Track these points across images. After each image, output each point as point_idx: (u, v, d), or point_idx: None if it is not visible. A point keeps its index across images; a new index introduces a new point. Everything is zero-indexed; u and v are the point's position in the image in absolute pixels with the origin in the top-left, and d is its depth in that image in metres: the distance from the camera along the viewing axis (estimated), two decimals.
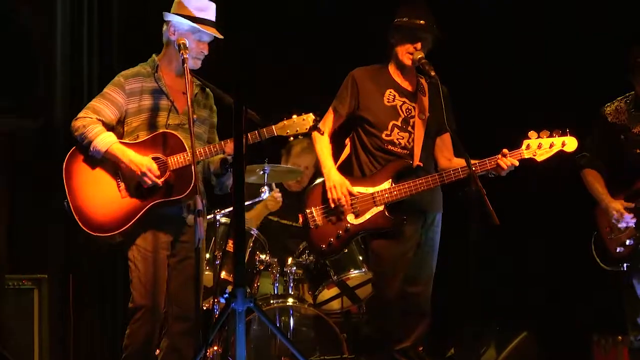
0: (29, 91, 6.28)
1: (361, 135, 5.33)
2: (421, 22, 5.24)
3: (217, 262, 5.73)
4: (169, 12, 5.13)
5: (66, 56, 6.66)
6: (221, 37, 5.08)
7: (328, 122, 5.37)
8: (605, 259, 5.60)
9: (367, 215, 5.21)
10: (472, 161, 5.00)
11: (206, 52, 5.08)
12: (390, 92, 5.33)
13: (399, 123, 5.29)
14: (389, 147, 5.26)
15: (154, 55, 5.22)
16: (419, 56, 5.24)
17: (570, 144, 5.21)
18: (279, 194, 6.09)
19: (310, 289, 6.03)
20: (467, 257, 4.89)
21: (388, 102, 5.32)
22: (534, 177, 5.88)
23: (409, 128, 5.28)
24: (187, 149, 4.94)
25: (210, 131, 5.26)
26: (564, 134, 5.19)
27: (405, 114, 5.30)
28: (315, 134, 5.23)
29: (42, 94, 6.43)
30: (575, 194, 5.87)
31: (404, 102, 5.34)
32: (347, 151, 5.42)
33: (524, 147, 5.18)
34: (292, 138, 4.92)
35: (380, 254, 5.26)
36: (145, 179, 4.92)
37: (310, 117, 4.93)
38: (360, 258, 5.84)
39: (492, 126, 6.64)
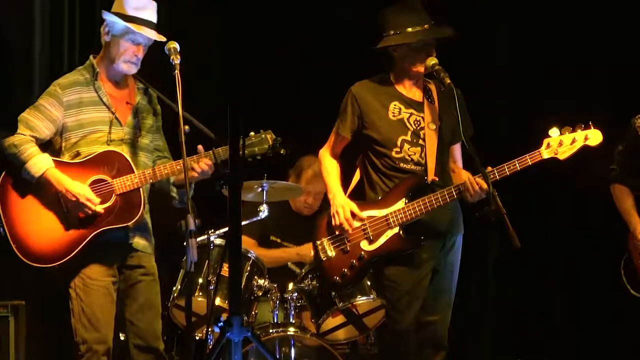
0: (4, 106, 6.11)
1: (370, 156, 5.27)
2: (425, 26, 5.11)
3: (211, 287, 5.63)
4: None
5: (45, 68, 6.55)
6: (161, 39, 4.99)
7: (332, 145, 5.34)
8: (636, 285, 5.52)
9: (382, 240, 5.15)
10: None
11: (140, 56, 5.00)
12: (395, 104, 5.23)
13: (408, 137, 5.20)
14: (401, 165, 5.19)
15: (91, 57, 5.13)
16: (433, 62, 5.12)
17: (594, 137, 5.09)
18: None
19: (313, 317, 5.85)
20: (487, 284, 4.94)
21: (394, 116, 5.22)
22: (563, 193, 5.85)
23: (420, 141, 5.19)
24: (134, 169, 4.89)
25: (156, 137, 5.20)
26: (586, 127, 5.06)
27: (415, 127, 5.21)
28: (321, 155, 5.28)
29: (19, 109, 6.26)
30: (606, 208, 5.82)
31: (411, 114, 5.24)
32: (357, 175, 5.38)
33: (543, 146, 5.08)
34: (250, 159, 4.91)
35: (394, 280, 5.19)
36: (85, 209, 4.86)
37: (269, 136, 4.92)
38: (369, 283, 5.66)
39: (513, 125, 6.68)
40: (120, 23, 4.95)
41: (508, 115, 6.94)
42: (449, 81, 5.04)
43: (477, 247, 5.30)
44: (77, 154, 4.96)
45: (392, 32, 5.16)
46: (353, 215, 5.14)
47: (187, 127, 4.82)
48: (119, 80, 5.08)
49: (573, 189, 6.75)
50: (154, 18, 5.03)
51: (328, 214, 5.24)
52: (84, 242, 4.88)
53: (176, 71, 4.75)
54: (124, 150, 4.98)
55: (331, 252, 5.20)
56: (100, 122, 5.00)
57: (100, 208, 4.86)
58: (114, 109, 5.02)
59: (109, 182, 4.92)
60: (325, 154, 5.34)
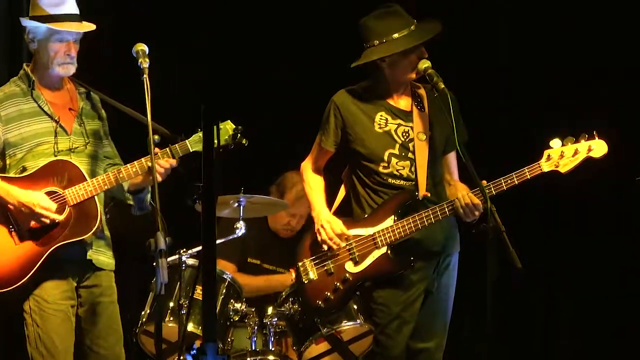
0: None
1: (356, 171, 5.21)
2: (411, 27, 5.03)
3: (183, 311, 5.58)
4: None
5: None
6: (89, 28, 4.91)
7: (315, 158, 5.31)
8: None
9: (368, 261, 5.10)
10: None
11: (74, 54, 4.89)
12: (382, 115, 5.16)
13: (396, 151, 5.14)
14: (390, 180, 5.12)
15: (24, 66, 5.04)
16: (425, 65, 5.01)
17: (599, 148, 5.00)
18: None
19: (295, 344, 5.79)
20: (486, 307, 4.70)
21: (380, 127, 5.15)
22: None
23: (409, 154, 5.13)
24: (86, 176, 4.83)
25: (104, 144, 5.11)
26: (590, 137, 4.99)
27: (403, 139, 5.14)
28: (303, 169, 5.26)
29: None
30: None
31: (399, 125, 5.16)
32: (342, 190, 5.34)
33: (543, 158, 5.01)
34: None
35: (383, 303, 5.13)
36: (42, 218, 4.76)
37: (228, 126, 4.86)
38: (355, 307, 5.60)
39: (510, 135, 6.71)
40: (42, 26, 4.86)
41: (507, 123, 6.88)
42: (443, 86, 4.92)
43: (474, 267, 5.13)
44: (24, 169, 4.88)
45: (376, 42, 5.07)
46: (339, 233, 5.11)
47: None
48: (58, 86, 5.00)
49: (579, 203, 6.71)
50: (75, 9, 4.93)
51: (312, 234, 5.21)
52: (40, 261, 4.77)
53: (145, 76, 4.65)
54: (73, 160, 4.91)
55: (313, 274, 5.17)
56: (44, 133, 4.92)
57: (59, 216, 4.77)
58: (57, 117, 4.93)
59: (60, 194, 4.82)
60: (307, 167, 5.30)
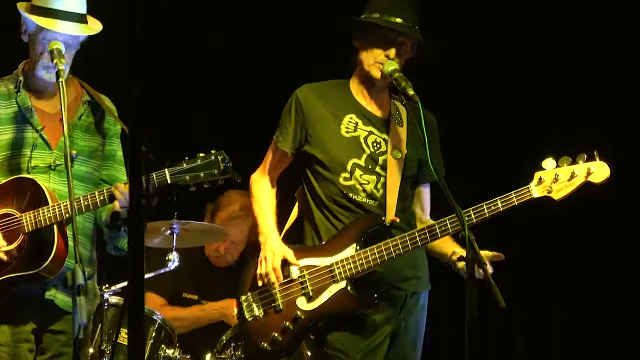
0: None
1: (312, 184, 4.98)
2: (397, 20, 4.86)
3: (105, 358, 5.52)
4: None
5: None
6: (90, 32, 4.74)
7: (269, 165, 5.09)
8: None
9: (324, 297, 4.87)
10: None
11: (65, 59, 4.71)
12: (351, 118, 4.97)
13: (361, 162, 4.92)
14: (350, 195, 4.90)
15: (23, 63, 4.88)
16: (392, 68, 4.81)
17: (600, 171, 4.77)
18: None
19: None
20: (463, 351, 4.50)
21: (347, 132, 4.95)
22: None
23: (378, 169, 4.94)
24: (49, 200, 4.64)
25: (107, 165, 4.93)
26: (590, 158, 4.75)
27: (373, 149, 4.94)
28: (253, 181, 5.03)
29: None
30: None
31: (370, 133, 4.96)
32: (295, 211, 5.13)
33: (534, 182, 4.77)
34: (193, 188, 4.67)
35: (340, 349, 4.88)
36: None
37: (220, 157, 4.66)
38: (309, 354, 5.54)
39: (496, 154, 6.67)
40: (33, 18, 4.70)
41: (492, 138, 6.82)
42: (412, 92, 4.73)
43: (449, 306, 5.36)
44: None
45: (366, 15, 4.97)
46: (286, 263, 4.89)
47: (74, 151, 4.68)
48: (53, 91, 4.78)
49: (572, 230, 6.66)
50: (77, 6, 4.72)
51: (256, 263, 4.99)
52: None
53: (60, 79, 4.52)
54: (52, 180, 4.74)
55: (259, 311, 4.93)
56: (20, 145, 4.77)
57: (6, 249, 4.62)
58: (40, 127, 4.74)
59: (16, 217, 4.66)
60: (258, 179, 5.04)
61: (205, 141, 4.98)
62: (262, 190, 5.04)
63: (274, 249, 4.89)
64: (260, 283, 4.90)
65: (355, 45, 4.96)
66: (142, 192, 3.70)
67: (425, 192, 5.09)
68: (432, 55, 5.02)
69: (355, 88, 5.02)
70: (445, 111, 5.08)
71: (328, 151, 4.92)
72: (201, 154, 4.64)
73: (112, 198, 4.65)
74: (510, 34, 7.15)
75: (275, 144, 5.01)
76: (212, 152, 4.64)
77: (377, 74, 4.88)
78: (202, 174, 4.62)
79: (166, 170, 4.60)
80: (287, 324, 4.86)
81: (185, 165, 4.62)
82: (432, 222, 4.97)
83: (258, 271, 4.90)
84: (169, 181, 4.61)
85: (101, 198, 4.63)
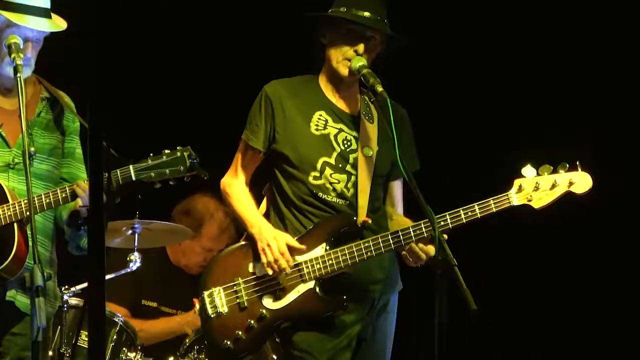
0: None
1: (280, 183, 4.94)
2: (365, 13, 4.82)
3: None
4: None
5: None
6: (57, 29, 4.72)
7: (240, 166, 5.02)
8: None
9: (292, 296, 4.83)
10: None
11: (30, 55, 4.69)
12: (321, 115, 4.92)
13: (332, 160, 4.89)
14: (320, 194, 4.87)
15: None
16: (360, 64, 4.79)
17: (582, 182, 4.76)
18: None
19: None
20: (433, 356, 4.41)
21: (317, 129, 4.91)
22: None
23: (348, 167, 4.89)
24: (9, 197, 4.62)
25: (66, 163, 4.89)
26: (572, 168, 4.74)
27: (343, 147, 4.91)
28: (225, 185, 4.96)
29: None
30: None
31: (341, 130, 4.92)
32: (263, 208, 5.08)
33: (514, 189, 4.75)
34: (158, 185, 4.65)
35: (306, 350, 4.85)
36: None
37: (186, 154, 4.63)
38: (275, 357, 5.51)
39: (474, 162, 6.60)
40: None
41: (471, 143, 6.76)
42: (381, 89, 4.70)
43: (419, 309, 5.15)
44: None
45: (332, 10, 4.92)
46: (291, 249, 4.84)
47: (33, 148, 4.62)
48: (11, 87, 4.74)
49: (545, 232, 6.58)
50: (43, 1, 4.72)
51: (224, 256, 4.98)
52: None
53: (19, 74, 4.50)
54: (11, 178, 4.70)
55: (222, 307, 4.88)
56: None
57: None
58: None
59: None
60: (230, 182, 4.96)
61: (172, 138, 4.89)
62: (238, 189, 4.98)
63: (274, 235, 4.83)
64: (270, 272, 4.81)
65: (323, 42, 4.93)
66: (102, 189, 3.65)
67: (396, 186, 5.06)
68: (402, 49, 4.97)
69: (325, 84, 4.98)
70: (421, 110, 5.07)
71: (297, 149, 4.89)
72: (166, 151, 4.60)
73: (74, 196, 4.60)
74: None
75: (245, 143, 4.95)
76: (178, 148, 4.59)
77: (345, 71, 4.85)
78: (167, 171, 4.58)
79: (131, 167, 4.56)
80: (252, 322, 4.81)
81: (150, 161, 4.56)
82: (403, 218, 4.97)
83: (264, 260, 4.82)
84: (133, 178, 4.56)
85: (63, 195, 4.59)
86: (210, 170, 4.92)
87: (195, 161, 4.62)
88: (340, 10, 4.88)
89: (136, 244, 5.74)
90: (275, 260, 4.78)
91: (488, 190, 4.82)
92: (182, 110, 6.99)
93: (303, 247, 4.85)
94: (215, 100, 6.89)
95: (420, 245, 4.78)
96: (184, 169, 4.60)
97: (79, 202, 4.60)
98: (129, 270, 5.75)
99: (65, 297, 5.48)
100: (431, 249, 4.73)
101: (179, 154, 4.61)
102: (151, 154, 4.57)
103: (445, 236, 4.57)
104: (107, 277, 5.47)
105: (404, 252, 4.81)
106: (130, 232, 5.75)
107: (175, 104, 6.97)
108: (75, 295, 5.54)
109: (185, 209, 6.49)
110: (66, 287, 5.48)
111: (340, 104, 4.97)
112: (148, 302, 6.42)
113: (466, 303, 4.30)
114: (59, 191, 4.61)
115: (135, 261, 5.72)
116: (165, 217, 6.32)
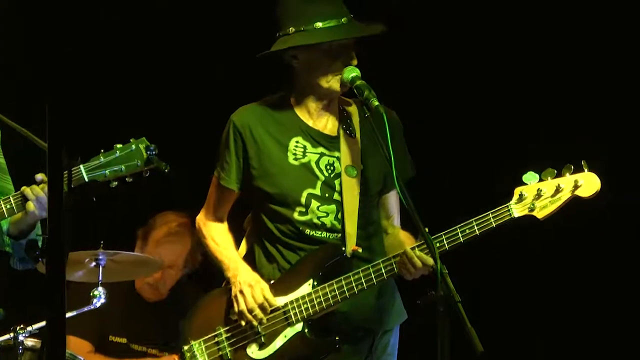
0: None
1: (262, 220, 4.81)
2: (342, 20, 4.67)
3: None
4: None
5: None
6: None
7: (214, 205, 4.89)
8: None
9: (278, 342, 4.72)
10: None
11: None
12: (297, 142, 4.78)
13: (317, 191, 4.75)
14: (308, 231, 4.74)
15: None
16: (353, 74, 4.62)
17: (589, 183, 4.60)
18: None
19: None
20: None
21: (295, 159, 4.77)
22: None
23: (335, 195, 4.75)
24: None
25: None
26: (577, 169, 4.60)
27: (327, 174, 4.77)
28: (199, 224, 4.86)
29: None
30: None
31: (322, 155, 4.78)
32: (243, 246, 4.95)
33: (514, 199, 4.61)
34: (114, 184, 4.44)
35: None
36: None
37: (142, 146, 4.44)
38: None
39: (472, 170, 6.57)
40: None
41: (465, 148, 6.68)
42: (376, 103, 4.51)
43: (419, 350, 5.12)
44: None
45: (292, 30, 4.68)
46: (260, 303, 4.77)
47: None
48: None
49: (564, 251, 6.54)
50: None
51: (204, 305, 4.88)
52: None
53: None
54: None
55: None
56: None
57: None
58: None
59: None
60: (204, 221, 4.86)
61: (125, 131, 4.73)
62: (214, 227, 4.87)
63: (250, 281, 4.72)
64: (243, 323, 4.72)
65: (293, 63, 4.75)
66: (62, 214, 3.33)
67: (390, 197, 4.89)
68: (379, 36, 4.77)
69: (298, 103, 4.83)
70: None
71: (277, 184, 4.76)
72: (119, 145, 4.41)
73: (20, 206, 4.40)
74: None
75: (217, 180, 4.83)
76: (132, 140, 4.42)
77: (337, 86, 4.68)
78: (123, 167, 4.41)
79: (81, 166, 4.39)
80: None
81: (102, 158, 4.38)
82: (400, 232, 4.83)
83: (237, 309, 4.72)
84: (86, 179, 4.39)
85: (8, 207, 4.43)
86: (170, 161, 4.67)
87: (153, 153, 4.42)
88: (314, 31, 4.69)
89: (100, 278, 5.57)
90: (250, 310, 4.68)
91: (489, 198, 4.72)
92: (133, 101, 6.88)
93: (279, 304, 4.72)
94: (171, 92, 6.82)
95: (417, 251, 4.61)
96: (142, 163, 4.42)
97: (31, 205, 4.41)
98: (92, 307, 5.56)
99: (21, 338, 5.27)
100: (429, 259, 4.55)
101: (133, 146, 4.44)
102: (102, 150, 4.40)
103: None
104: (68, 315, 5.15)
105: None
106: (93, 264, 5.60)
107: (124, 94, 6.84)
108: (32, 335, 5.32)
109: (145, 228, 6.40)
110: (21, 326, 5.28)
111: (317, 125, 4.83)
112: (116, 338, 6.31)
113: (471, 344, 4.14)
114: (2, 202, 4.44)
115: (99, 297, 5.55)
116: (132, 247, 6.25)
